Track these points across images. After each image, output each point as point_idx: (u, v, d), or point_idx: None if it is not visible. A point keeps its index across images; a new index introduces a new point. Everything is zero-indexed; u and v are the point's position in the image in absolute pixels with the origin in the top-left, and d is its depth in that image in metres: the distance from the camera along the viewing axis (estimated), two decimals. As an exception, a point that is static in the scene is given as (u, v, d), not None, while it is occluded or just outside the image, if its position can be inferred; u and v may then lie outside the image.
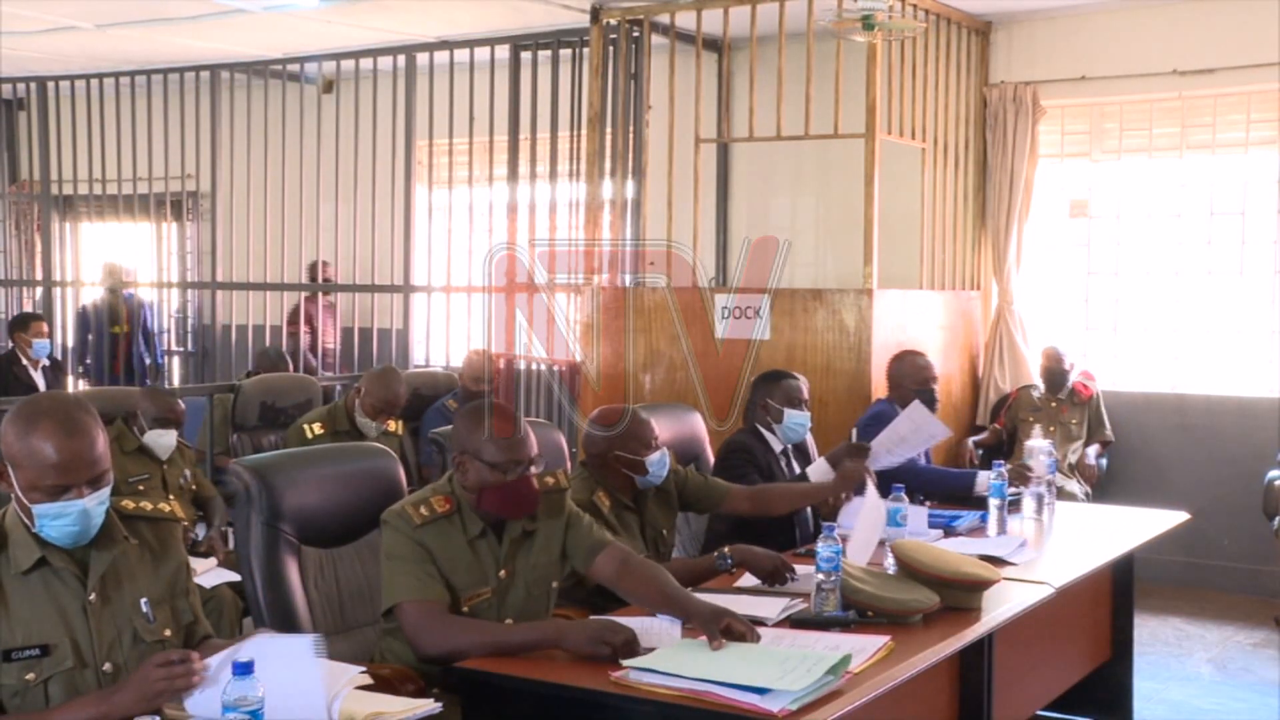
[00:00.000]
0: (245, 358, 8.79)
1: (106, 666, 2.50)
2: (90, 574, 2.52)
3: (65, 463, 2.44)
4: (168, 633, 2.60)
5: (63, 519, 2.45)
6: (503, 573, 3.21)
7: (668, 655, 2.83)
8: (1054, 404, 7.01)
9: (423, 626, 3.03)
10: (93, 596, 2.51)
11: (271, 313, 8.92)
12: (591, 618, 3.09)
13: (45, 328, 8.05)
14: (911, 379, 5.18)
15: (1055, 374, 7.03)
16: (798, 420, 4.70)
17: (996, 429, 7.10)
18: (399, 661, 3.11)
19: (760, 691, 2.59)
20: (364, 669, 2.60)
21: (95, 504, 2.48)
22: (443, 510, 3.16)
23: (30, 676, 2.43)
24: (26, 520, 2.48)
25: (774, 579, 3.62)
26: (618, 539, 3.73)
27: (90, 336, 9.52)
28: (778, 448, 4.72)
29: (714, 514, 4.39)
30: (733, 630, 2.93)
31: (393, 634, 3.17)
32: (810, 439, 4.97)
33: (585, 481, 3.91)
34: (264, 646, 2.39)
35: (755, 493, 4.25)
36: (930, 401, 5.20)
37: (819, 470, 4.46)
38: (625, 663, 2.79)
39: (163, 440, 5.05)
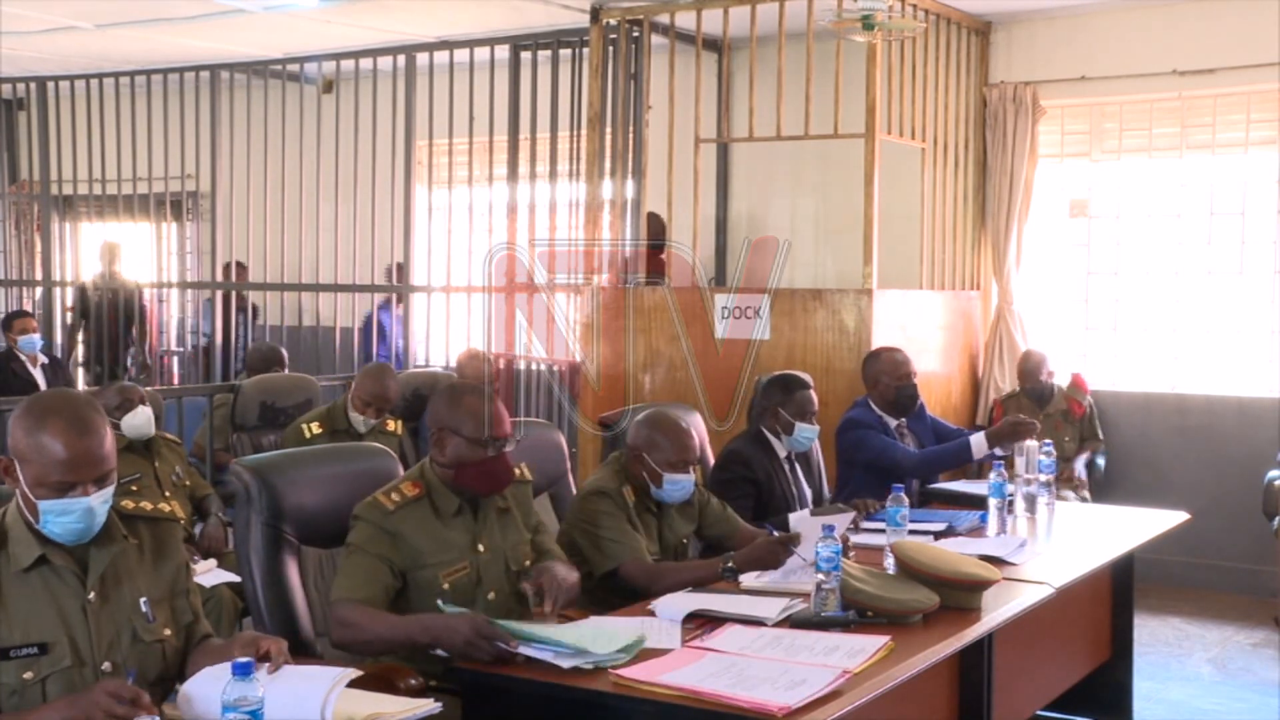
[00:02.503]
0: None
1: (105, 666, 2.50)
2: (90, 573, 2.53)
3: (74, 460, 2.45)
4: (167, 632, 2.61)
5: (68, 516, 2.46)
6: (481, 547, 3.27)
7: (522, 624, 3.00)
8: (1044, 417, 6.79)
9: (347, 618, 3.08)
10: (92, 595, 2.51)
11: (271, 313, 8.91)
12: (467, 615, 2.98)
13: (33, 323, 7.89)
14: (890, 375, 5.17)
15: (1037, 387, 6.96)
16: (807, 435, 4.70)
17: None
18: (400, 661, 3.12)
19: (559, 648, 2.82)
20: (358, 672, 2.59)
21: (100, 502, 2.49)
22: (412, 494, 3.23)
23: (28, 675, 2.43)
24: (30, 517, 2.49)
25: (780, 560, 3.65)
26: (634, 534, 3.75)
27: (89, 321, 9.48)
28: (782, 453, 4.72)
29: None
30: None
31: None
32: (816, 445, 4.96)
33: (616, 473, 3.90)
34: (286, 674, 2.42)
35: (650, 570, 3.74)
36: (912, 398, 5.19)
37: (799, 518, 4.38)
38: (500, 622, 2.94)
39: (136, 421, 4.95)
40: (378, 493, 3.25)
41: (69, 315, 9.94)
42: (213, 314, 9.21)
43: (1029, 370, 7.03)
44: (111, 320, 9.43)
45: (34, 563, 2.48)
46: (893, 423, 5.19)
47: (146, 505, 2.68)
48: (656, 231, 7.38)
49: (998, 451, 5.08)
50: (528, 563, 3.36)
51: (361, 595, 3.10)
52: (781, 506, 4.59)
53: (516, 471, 3.39)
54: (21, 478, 2.47)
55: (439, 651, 3.01)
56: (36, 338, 7.78)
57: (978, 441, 5.03)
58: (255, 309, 9.54)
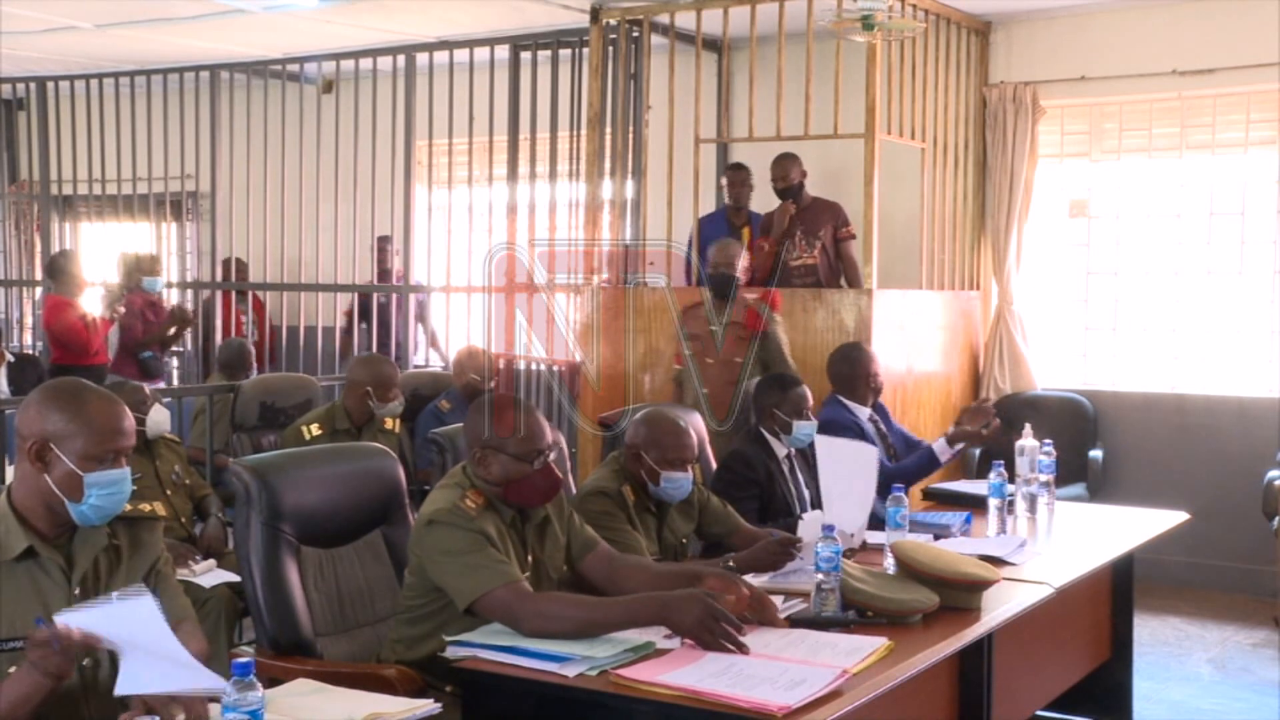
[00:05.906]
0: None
1: (86, 661, 2.51)
2: (74, 569, 2.55)
3: (120, 429, 2.56)
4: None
5: (114, 487, 2.54)
6: (530, 558, 3.26)
7: (488, 630, 2.99)
8: (729, 325, 6.00)
9: (519, 608, 2.98)
10: (78, 591, 2.54)
11: (271, 312, 8.91)
12: (695, 593, 2.96)
13: None
14: (876, 366, 5.26)
15: (718, 278, 6.00)
16: (806, 431, 4.70)
17: None
18: (402, 661, 3.12)
19: (559, 659, 2.80)
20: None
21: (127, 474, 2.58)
22: (481, 503, 3.18)
23: (14, 669, 2.43)
24: (66, 496, 2.50)
25: (781, 562, 3.64)
26: (634, 533, 3.75)
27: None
28: (782, 452, 4.72)
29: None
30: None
31: (402, 633, 3.19)
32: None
33: (616, 473, 3.90)
34: (109, 613, 2.36)
35: (614, 566, 3.43)
36: (878, 392, 5.30)
37: (812, 519, 4.36)
38: (446, 637, 2.97)
39: (158, 417, 4.99)
40: (452, 500, 3.15)
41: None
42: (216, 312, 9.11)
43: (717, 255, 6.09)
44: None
45: (21, 554, 2.49)
46: (864, 414, 5.23)
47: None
48: (740, 179, 7.14)
49: (985, 451, 5.09)
50: (563, 569, 3.35)
51: (507, 579, 3.01)
52: (782, 507, 4.60)
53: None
54: (63, 456, 2.50)
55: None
56: None
57: (940, 447, 5.05)
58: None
